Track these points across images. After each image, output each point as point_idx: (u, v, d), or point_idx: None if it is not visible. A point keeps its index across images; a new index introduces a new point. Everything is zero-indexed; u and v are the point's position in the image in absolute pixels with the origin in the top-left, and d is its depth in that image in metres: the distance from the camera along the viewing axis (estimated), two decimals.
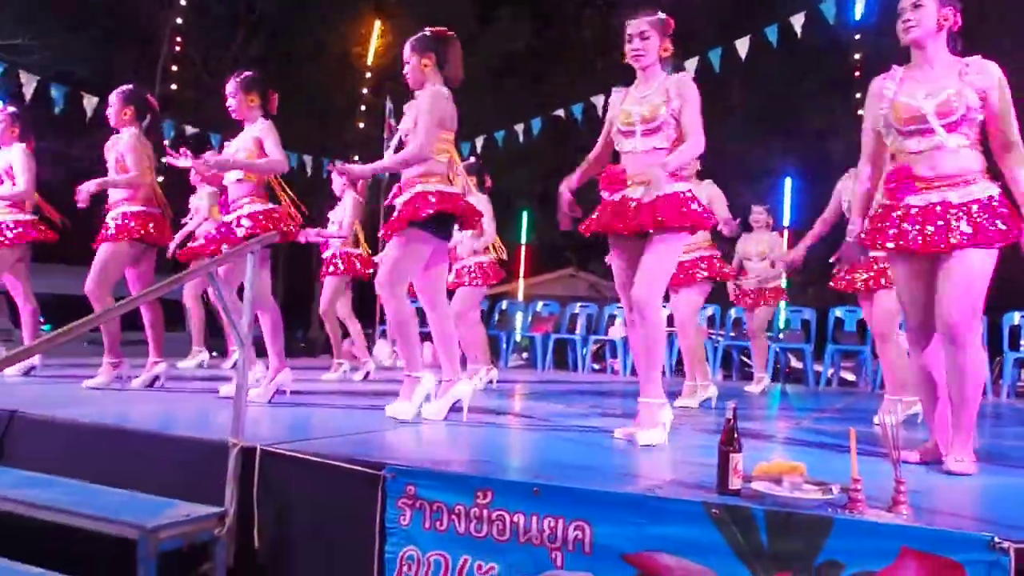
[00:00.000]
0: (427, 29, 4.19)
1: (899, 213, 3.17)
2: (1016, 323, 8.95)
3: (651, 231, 3.57)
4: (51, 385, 5.00)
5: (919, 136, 3.13)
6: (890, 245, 3.19)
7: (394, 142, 4.16)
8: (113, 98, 5.22)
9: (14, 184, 5.55)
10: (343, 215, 6.66)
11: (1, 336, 6.11)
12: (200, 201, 7.14)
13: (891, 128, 3.21)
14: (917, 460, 3.27)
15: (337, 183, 6.86)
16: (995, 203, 3.05)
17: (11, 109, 5.81)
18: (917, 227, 3.11)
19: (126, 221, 5.02)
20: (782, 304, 8.49)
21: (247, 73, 4.84)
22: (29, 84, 8.79)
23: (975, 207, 3.03)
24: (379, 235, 4.41)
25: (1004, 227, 3.01)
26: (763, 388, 7.48)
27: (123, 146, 5.11)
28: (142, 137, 5.20)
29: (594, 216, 3.75)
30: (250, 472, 2.98)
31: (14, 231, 5.53)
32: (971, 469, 3.11)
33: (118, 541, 2.71)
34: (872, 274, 4.98)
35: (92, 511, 2.83)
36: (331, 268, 6.66)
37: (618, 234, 3.69)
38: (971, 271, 3.03)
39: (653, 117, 3.56)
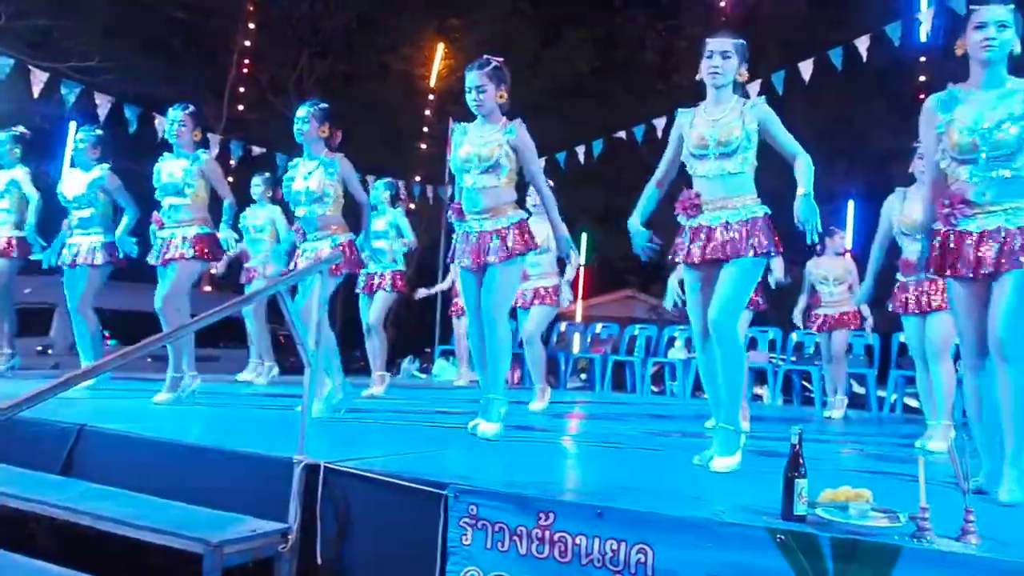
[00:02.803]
0: (499, 60, 4.24)
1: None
2: None
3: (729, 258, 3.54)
4: (118, 399, 5.14)
5: (973, 163, 3.10)
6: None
7: (475, 166, 4.20)
8: (184, 117, 5.27)
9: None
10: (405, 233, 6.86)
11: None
12: (256, 219, 7.29)
13: (945, 152, 3.19)
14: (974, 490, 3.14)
15: (384, 196, 7.00)
16: None
17: (97, 131, 5.98)
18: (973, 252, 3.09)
19: (201, 242, 5.15)
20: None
21: (323, 104, 4.93)
22: (103, 106, 9.08)
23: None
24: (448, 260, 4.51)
25: None
26: (844, 412, 7.39)
27: (207, 169, 5.24)
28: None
29: (679, 241, 3.70)
30: (314, 489, 3.02)
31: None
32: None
33: (184, 555, 2.75)
34: (927, 294, 4.88)
35: (158, 525, 2.88)
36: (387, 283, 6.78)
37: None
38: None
39: (728, 141, 3.53)
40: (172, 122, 5.25)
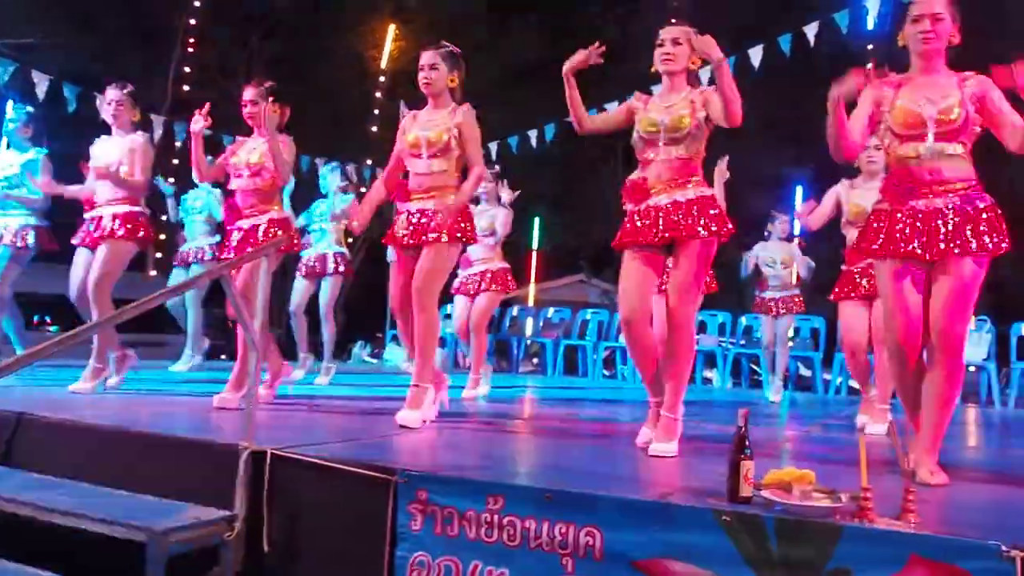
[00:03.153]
0: (452, 46, 4.21)
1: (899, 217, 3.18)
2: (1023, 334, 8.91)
3: (678, 241, 3.55)
4: (59, 388, 5.01)
5: (918, 140, 3.14)
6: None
7: (424, 151, 4.16)
8: (121, 96, 5.11)
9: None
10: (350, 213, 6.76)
11: None
12: (196, 200, 7.12)
13: (888, 131, 3.23)
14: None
15: (334, 183, 6.87)
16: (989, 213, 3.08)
17: (28, 109, 5.80)
18: (915, 234, 3.12)
19: (131, 222, 5.02)
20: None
21: (270, 82, 4.82)
22: (41, 84, 8.78)
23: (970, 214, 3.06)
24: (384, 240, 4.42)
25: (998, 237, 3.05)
26: (779, 396, 7.50)
27: (136, 148, 5.09)
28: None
29: (626, 227, 3.69)
30: (260, 476, 2.98)
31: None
32: (946, 479, 3.07)
33: (127, 544, 2.70)
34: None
35: (100, 514, 2.82)
36: (336, 268, 6.71)
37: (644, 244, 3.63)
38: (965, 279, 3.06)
39: (678, 127, 3.55)
40: (108, 102, 5.10)
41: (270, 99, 4.62)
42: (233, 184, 4.78)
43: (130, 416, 3.98)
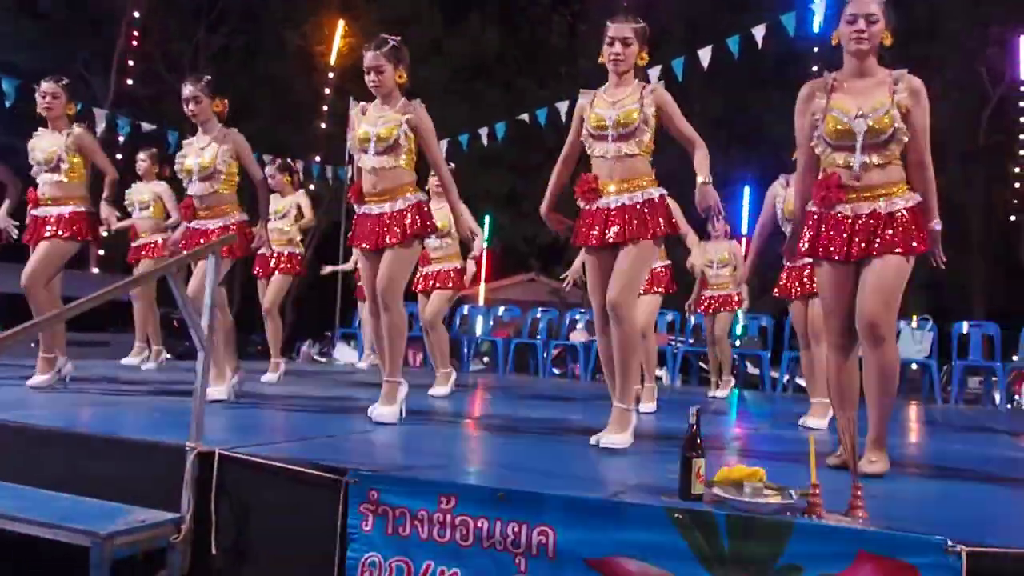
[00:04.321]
0: (396, 39, 4.17)
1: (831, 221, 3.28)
2: (964, 332, 9.16)
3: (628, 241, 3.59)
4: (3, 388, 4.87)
5: (848, 151, 3.23)
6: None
7: (372, 146, 4.12)
8: (56, 89, 4.98)
9: None
10: (300, 212, 6.64)
11: None
12: (141, 196, 6.98)
13: (820, 138, 3.30)
14: (837, 464, 3.28)
15: (279, 179, 6.76)
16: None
17: None
18: (847, 235, 3.22)
19: (76, 221, 4.90)
20: (740, 311, 8.62)
21: (207, 77, 4.72)
22: None
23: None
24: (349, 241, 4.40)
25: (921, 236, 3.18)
26: (728, 392, 7.59)
27: (85, 144, 4.98)
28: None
29: (579, 228, 3.75)
30: (208, 477, 2.92)
31: None
32: (886, 467, 3.18)
33: (70, 549, 2.64)
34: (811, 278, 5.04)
35: (42, 517, 2.75)
36: (283, 266, 6.59)
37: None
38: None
39: (627, 123, 3.59)
40: (43, 95, 4.97)
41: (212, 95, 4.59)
42: (189, 189, 4.71)
43: (73, 416, 3.89)
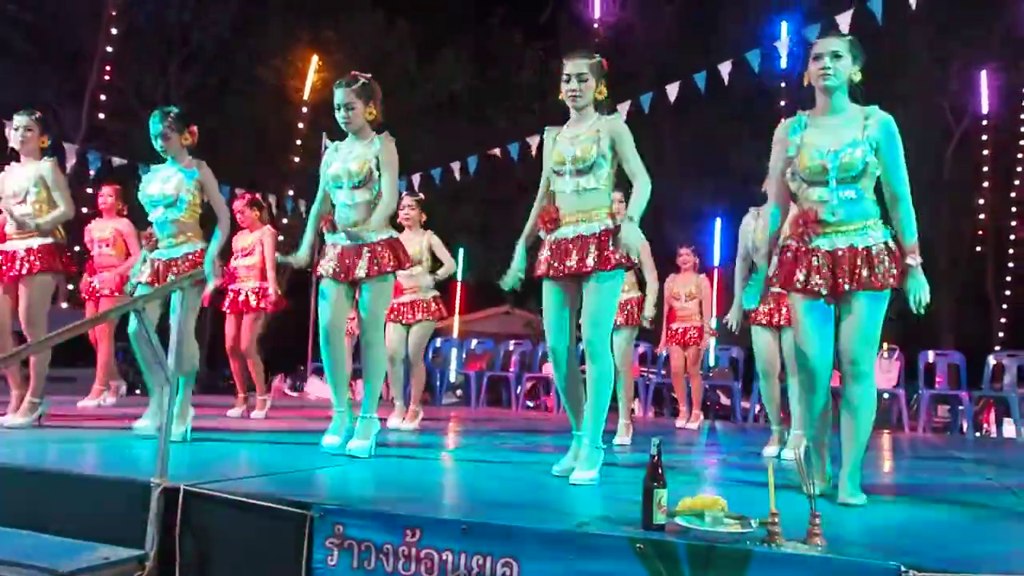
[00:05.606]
0: (366, 76, 4.23)
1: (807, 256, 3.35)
2: (931, 361, 9.29)
3: (588, 272, 3.61)
4: None
5: (822, 186, 3.30)
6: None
7: (345, 182, 4.18)
8: (28, 122, 5.03)
9: None
10: (263, 250, 6.58)
11: None
12: (103, 232, 6.91)
13: (796, 175, 3.38)
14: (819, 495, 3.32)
15: (249, 216, 6.74)
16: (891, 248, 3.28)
17: None
18: (828, 270, 3.28)
19: (45, 254, 4.90)
20: (712, 342, 8.70)
21: (176, 109, 4.74)
22: None
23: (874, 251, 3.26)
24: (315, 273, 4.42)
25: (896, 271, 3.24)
26: (699, 424, 7.65)
27: (48, 177, 4.98)
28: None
29: (539, 258, 3.75)
30: (173, 513, 2.90)
31: None
32: (863, 499, 3.26)
33: None
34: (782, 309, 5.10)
35: (3, 555, 2.70)
36: (257, 303, 6.55)
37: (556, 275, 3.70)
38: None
39: (584, 158, 3.61)
40: (16, 128, 5.00)
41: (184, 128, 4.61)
42: (151, 216, 4.70)
43: (36, 452, 3.85)
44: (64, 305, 12.61)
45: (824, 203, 3.30)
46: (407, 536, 2.58)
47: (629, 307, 5.82)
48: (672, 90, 9.61)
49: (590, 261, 3.56)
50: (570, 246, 3.62)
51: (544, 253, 3.73)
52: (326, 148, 4.46)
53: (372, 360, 4.23)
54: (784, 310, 5.07)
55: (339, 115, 4.18)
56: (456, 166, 11.52)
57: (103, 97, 15.68)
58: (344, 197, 4.20)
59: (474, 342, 11.66)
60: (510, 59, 23.15)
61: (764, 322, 5.17)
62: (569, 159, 3.65)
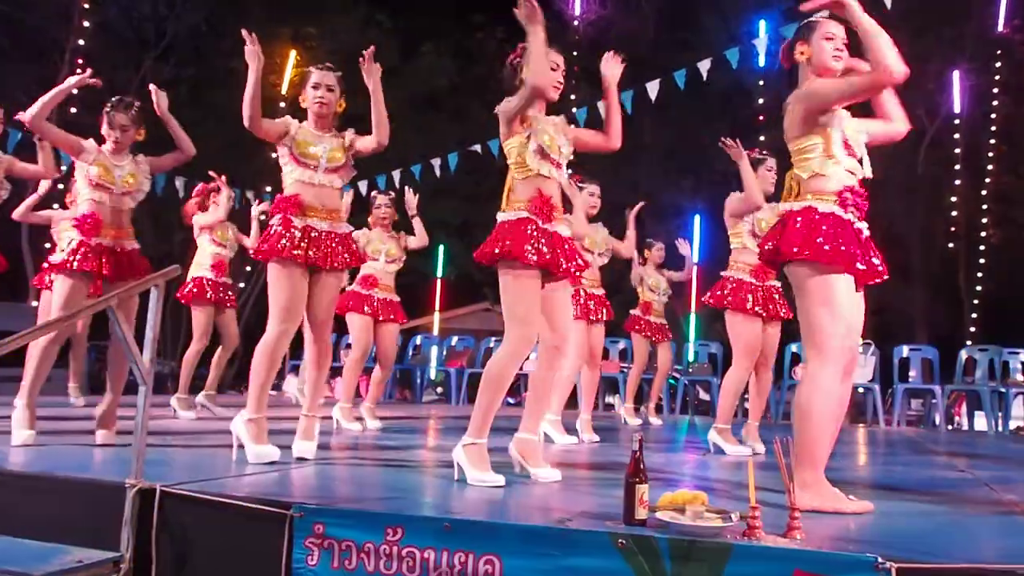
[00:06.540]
0: (338, 73, 4.21)
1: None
2: (905, 356, 9.38)
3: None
4: None
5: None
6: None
7: (321, 164, 4.11)
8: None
9: None
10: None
11: None
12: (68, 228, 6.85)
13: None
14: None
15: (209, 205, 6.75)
16: None
17: None
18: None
19: None
20: (692, 338, 8.75)
21: (138, 104, 4.77)
22: None
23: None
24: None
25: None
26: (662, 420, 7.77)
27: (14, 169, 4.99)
28: None
29: (541, 250, 3.53)
30: (149, 514, 2.87)
31: None
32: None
33: None
34: (774, 299, 5.05)
35: None
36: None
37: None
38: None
39: (571, 153, 3.75)
40: None
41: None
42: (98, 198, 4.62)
43: (6, 453, 3.79)
44: (35, 303, 12.46)
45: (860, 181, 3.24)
46: (388, 535, 2.57)
47: (592, 304, 5.85)
48: (652, 87, 9.62)
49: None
50: (565, 245, 3.69)
51: (544, 242, 3.55)
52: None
53: (324, 356, 4.20)
54: (773, 303, 5.01)
55: (316, 93, 4.08)
56: (437, 162, 11.48)
57: (75, 91, 15.47)
58: (316, 178, 4.06)
59: (454, 339, 11.63)
60: (491, 56, 23.11)
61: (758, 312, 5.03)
62: (566, 152, 3.79)
